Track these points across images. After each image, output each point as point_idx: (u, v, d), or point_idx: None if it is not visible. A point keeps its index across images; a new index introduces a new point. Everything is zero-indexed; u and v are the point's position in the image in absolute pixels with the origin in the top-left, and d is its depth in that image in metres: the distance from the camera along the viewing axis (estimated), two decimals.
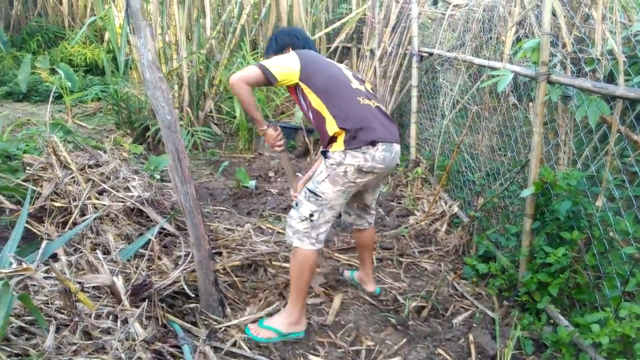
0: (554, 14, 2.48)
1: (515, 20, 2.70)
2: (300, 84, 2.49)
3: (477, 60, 3.39)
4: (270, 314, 2.63)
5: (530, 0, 2.67)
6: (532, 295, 2.69)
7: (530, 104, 2.74)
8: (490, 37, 3.31)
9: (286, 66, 2.48)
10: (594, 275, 2.49)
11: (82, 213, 3.02)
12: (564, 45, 2.59)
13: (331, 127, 2.40)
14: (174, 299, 2.56)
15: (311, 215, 2.42)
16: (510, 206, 3.22)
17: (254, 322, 2.56)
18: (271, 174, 5.13)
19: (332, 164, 2.39)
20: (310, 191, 2.44)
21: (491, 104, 3.55)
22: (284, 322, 2.50)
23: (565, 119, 2.60)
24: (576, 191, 2.47)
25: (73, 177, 3.17)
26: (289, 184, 2.97)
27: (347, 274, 3.15)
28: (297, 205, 2.49)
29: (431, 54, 4.54)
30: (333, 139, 2.42)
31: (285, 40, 2.73)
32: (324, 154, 2.44)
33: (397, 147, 2.48)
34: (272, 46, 2.78)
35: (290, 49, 2.67)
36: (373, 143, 2.36)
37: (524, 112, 3.11)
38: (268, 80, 2.45)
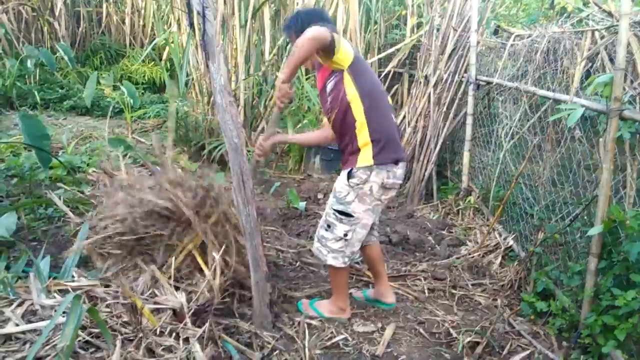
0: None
1: (585, 54, 2.64)
2: (347, 73, 2.45)
3: (540, 92, 3.31)
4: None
5: (601, 34, 2.61)
6: (596, 339, 2.56)
7: (600, 139, 2.65)
8: (556, 69, 3.24)
9: (347, 46, 2.42)
10: None
11: None
12: (634, 80, 2.51)
13: (362, 134, 2.48)
14: (228, 318, 2.58)
15: (345, 235, 2.59)
16: (571, 243, 3.10)
17: (308, 298, 2.97)
18: (320, 195, 5.14)
19: (357, 184, 2.51)
20: (341, 212, 2.57)
21: (553, 135, 3.46)
22: (328, 308, 2.83)
23: (639, 156, 2.50)
24: None
25: None
26: (266, 131, 2.87)
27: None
28: (329, 227, 2.63)
29: (489, 83, 4.48)
30: (357, 150, 2.50)
31: (312, 20, 2.47)
32: (349, 174, 2.51)
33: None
34: (294, 25, 2.56)
35: None
36: (397, 162, 2.53)
37: (586, 146, 3.01)
38: (330, 48, 2.33)
